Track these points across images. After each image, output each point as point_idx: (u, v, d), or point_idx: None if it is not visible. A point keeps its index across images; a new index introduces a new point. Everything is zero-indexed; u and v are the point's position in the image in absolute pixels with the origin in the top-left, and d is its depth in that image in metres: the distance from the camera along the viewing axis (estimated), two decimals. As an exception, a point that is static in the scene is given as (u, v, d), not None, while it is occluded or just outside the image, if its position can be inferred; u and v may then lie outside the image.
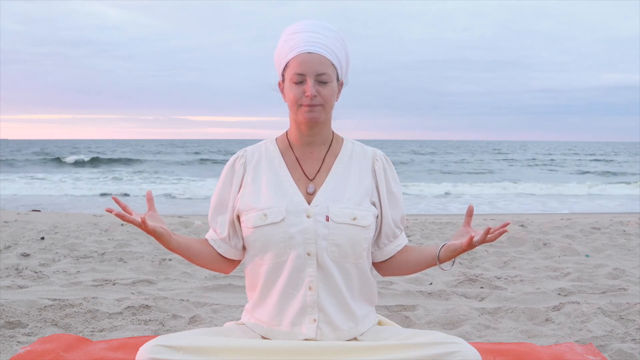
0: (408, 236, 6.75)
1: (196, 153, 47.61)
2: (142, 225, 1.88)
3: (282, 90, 2.05)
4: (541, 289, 4.41)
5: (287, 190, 2.02)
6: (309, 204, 2.00)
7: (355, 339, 2.03)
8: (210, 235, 2.13)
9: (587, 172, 31.29)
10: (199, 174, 26.63)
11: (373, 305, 2.15)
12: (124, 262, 5.44)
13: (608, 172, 30.80)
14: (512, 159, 42.41)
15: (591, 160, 41.74)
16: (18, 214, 10.06)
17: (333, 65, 1.98)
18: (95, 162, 33.49)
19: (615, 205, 15.82)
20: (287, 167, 2.07)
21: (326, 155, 2.08)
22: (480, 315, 3.73)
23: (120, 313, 3.72)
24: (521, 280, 4.80)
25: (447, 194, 19.56)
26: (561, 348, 2.78)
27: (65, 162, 33.05)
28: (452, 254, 1.97)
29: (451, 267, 2.03)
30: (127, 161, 34.47)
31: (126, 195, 18.39)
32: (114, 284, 4.52)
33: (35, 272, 4.88)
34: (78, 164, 32.44)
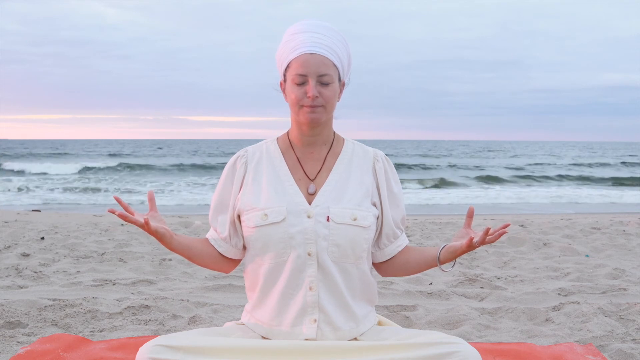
0: (408, 236, 6.75)
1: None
2: (145, 226, 1.88)
3: (283, 91, 2.05)
4: (541, 289, 4.42)
5: (288, 190, 2.02)
6: (310, 204, 2.00)
7: (355, 339, 2.03)
8: (211, 235, 2.13)
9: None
10: None
11: (373, 306, 2.15)
12: (124, 262, 5.44)
13: None
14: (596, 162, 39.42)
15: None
16: (18, 213, 10.06)
17: (335, 65, 1.98)
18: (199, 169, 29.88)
19: None
20: (288, 167, 2.07)
21: (327, 155, 2.08)
22: (480, 315, 3.73)
23: (120, 313, 3.72)
24: (521, 280, 4.80)
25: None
26: (561, 348, 2.78)
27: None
28: (453, 255, 1.97)
29: (451, 269, 2.03)
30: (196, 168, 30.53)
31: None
32: (114, 284, 4.52)
33: (35, 272, 4.88)
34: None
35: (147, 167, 30.33)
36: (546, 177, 27.01)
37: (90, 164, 30.92)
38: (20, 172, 26.87)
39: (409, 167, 32.94)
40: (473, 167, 34.03)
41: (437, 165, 34.36)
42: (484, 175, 26.95)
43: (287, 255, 1.98)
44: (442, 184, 24.05)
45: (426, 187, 22.59)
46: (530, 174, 28.26)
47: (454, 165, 34.33)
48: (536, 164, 37.32)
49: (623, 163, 38.81)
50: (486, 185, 23.16)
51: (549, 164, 37.01)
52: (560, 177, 27.21)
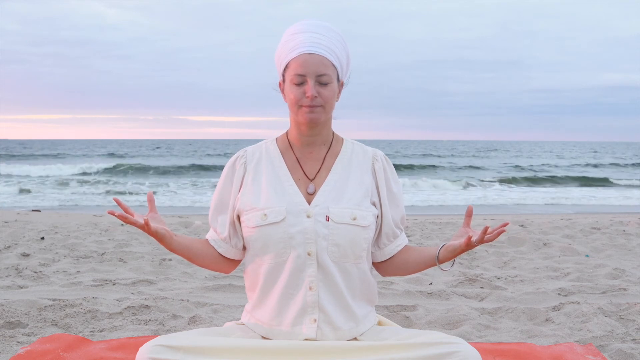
0: (408, 236, 6.75)
1: None
2: (145, 227, 1.88)
3: (282, 91, 2.05)
4: (541, 289, 4.42)
5: (287, 191, 2.02)
6: (309, 204, 2.00)
7: (355, 339, 2.03)
8: (210, 235, 2.13)
9: None
10: None
11: (373, 305, 2.15)
12: (124, 262, 5.44)
13: None
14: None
15: None
16: (18, 213, 10.06)
17: (334, 65, 1.98)
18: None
19: None
20: (288, 167, 2.07)
21: (326, 155, 2.09)
22: (480, 315, 3.73)
23: (120, 313, 3.72)
24: (521, 280, 4.80)
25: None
26: (561, 348, 2.78)
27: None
28: (452, 255, 1.97)
29: (451, 268, 2.03)
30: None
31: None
32: (114, 284, 4.52)
33: (35, 272, 4.88)
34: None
35: (147, 168, 30.30)
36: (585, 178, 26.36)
37: (90, 165, 30.90)
38: (20, 173, 26.80)
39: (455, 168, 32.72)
40: (516, 167, 33.60)
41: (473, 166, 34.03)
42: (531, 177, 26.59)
43: (287, 255, 1.98)
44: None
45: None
46: (566, 175, 27.68)
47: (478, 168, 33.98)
48: (555, 165, 36.74)
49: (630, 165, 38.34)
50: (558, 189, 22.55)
51: (577, 165, 36.62)
52: (583, 179, 26.62)
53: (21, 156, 40.74)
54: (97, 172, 27.75)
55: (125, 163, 32.69)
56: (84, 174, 26.95)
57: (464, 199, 17.96)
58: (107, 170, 28.63)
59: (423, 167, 32.87)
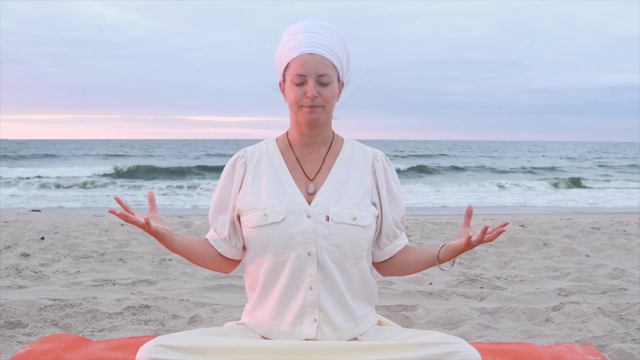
0: (408, 236, 6.74)
1: None
2: (146, 227, 1.88)
3: (282, 91, 2.05)
4: (541, 289, 4.42)
5: (288, 190, 2.02)
6: (309, 204, 2.00)
7: (355, 339, 2.03)
8: (210, 235, 2.13)
9: None
10: None
11: (373, 305, 2.15)
12: (124, 262, 5.44)
13: None
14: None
15: None
16: (18, 213, 10.05)
17: (334, 66, 1.98)
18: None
19: None
20: (288, 167, 2.07)
21: (326, 155, 2.09)
22: (480, 315, 3.73)
23: (120, 313, 3.72)
24: (521, 280, 4.80)
25: None
26: (561, 348, 2.78)
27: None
28: (452, 254, 1.97)
29: (451, 268, 2.03)
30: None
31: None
32: (114, 284, 4.52)
33: (35, 272, 4.88)
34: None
35: (147, 168, 30.31)
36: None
37: (90, 164, 30.90)
38: (20, 173, 26.77)
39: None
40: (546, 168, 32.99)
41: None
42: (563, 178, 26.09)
43: (287, 255, 1.98)
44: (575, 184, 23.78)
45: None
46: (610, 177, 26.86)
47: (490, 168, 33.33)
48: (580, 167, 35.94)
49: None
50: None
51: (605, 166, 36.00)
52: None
53: (21, 156, 40.72)
54: (96, 173, 27.74)
55: (125, 163, 32.68)
56: (83, 174, 26.93)
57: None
58: (106, 171, 28.62)
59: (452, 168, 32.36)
